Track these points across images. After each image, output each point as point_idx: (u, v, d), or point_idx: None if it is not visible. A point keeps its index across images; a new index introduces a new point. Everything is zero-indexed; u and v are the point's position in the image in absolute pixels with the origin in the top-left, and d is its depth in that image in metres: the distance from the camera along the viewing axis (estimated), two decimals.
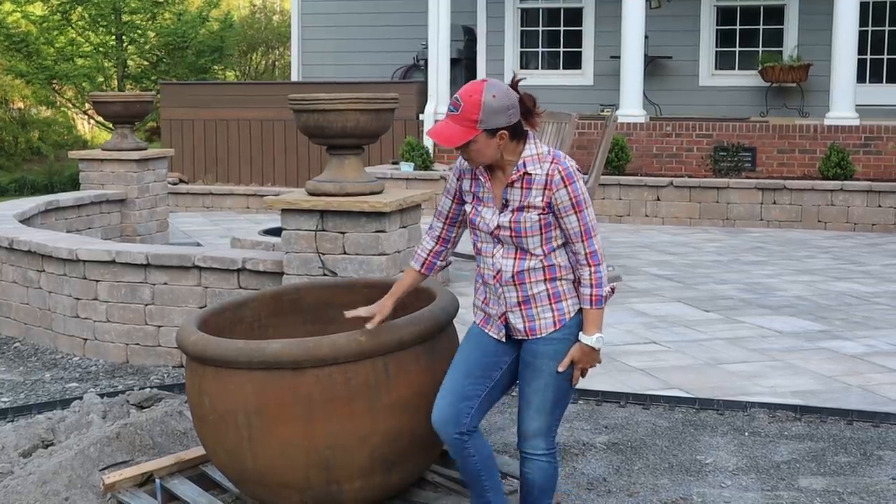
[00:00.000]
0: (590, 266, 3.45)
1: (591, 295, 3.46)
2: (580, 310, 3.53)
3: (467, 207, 3.60)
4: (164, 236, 10.94)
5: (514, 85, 3.45)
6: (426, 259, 3.76)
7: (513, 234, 3.46)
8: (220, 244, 10.76)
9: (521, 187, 3.43)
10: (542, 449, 3.57)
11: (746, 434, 5.20)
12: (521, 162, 3.43)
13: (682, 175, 13.08)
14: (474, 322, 3.73)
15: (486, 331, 3.64)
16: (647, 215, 12.64)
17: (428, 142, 14.19)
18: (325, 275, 5.91)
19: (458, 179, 3.63)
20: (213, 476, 4.27)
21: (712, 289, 8.63)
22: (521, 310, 3.52)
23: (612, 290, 3.55)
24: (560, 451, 4.97)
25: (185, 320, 4.09)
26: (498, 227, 3.48)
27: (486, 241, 3.55)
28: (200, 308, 6.38)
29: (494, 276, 3.54)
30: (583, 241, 3.44)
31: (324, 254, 5.95)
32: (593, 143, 12.30)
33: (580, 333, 3.50)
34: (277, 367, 3.67)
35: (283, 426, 3.70)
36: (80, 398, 5.45)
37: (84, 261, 6.91)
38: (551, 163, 3.41)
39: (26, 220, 8.72)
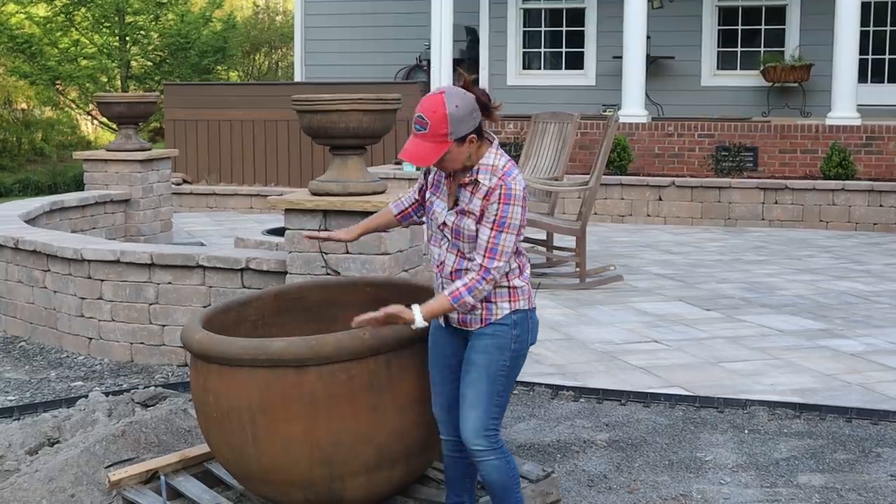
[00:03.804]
0: (476, 273, 3.46)
1: (457, 288, 3.46)
2: (516, 311, 3.56)
3: (428, 193, 3.70)
4: (167, 236, 10.97)
5: (466, 85, 3.51)
6: (406, 208, 3.92)
7: (454, 235, 3.54)
8: (223, 244, 10.80)
9: (471, 192, 3.51)
10: (483, 446, 3.56)
11: (746, 432, 5.24)
12: (476, 167, 3.50)
13: (684, 175, 13.11)
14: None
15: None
16: (649, 215, 12.67)
17: None
18: (328, 274, 5.95)
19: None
20: (218, 473, 4.31)
21: (714, 288, 8.66)
22: None
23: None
24: (561, 448, 5.01)
25: (190, 319, 4.13)
26: (444, 223, 3.58)
27: (435, 231, 3.65)
28: (204, 307, 6.41)
29: (438, 265, 3.64)
30: (484, 255, 3.46)
31: (327, 253, 5.99)
32: (595, 143, 12.34)
33: (417, 305, 3.49)
34: (281, 365, 3.71)
35: (286, 424, 3.73)
36: (86, 397, 5.49)
37: (89, 260, 6.95)
38: (500, 178, 3.46)
39: (31, 221, 8.75)
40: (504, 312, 3.57)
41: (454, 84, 3.56)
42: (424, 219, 3.96)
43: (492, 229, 3.45)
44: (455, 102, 3.41)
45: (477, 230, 3.49)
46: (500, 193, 3.45)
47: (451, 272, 3.58)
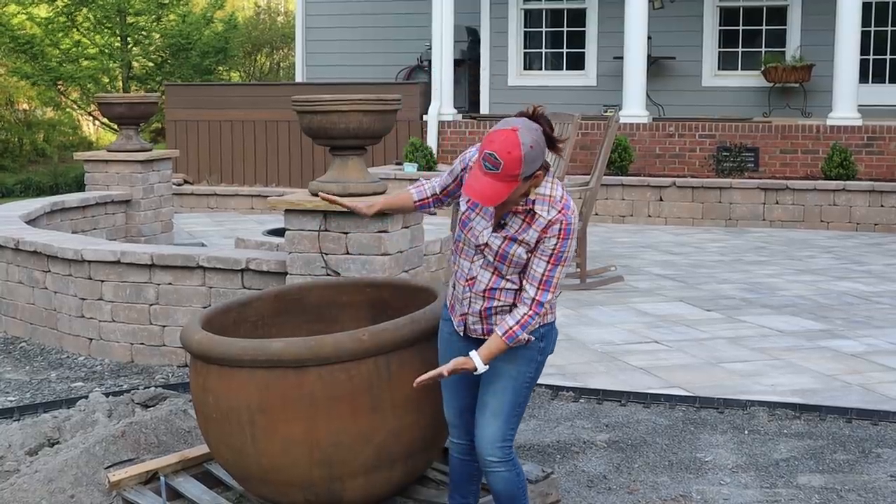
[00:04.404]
0: (529, 309, 3.42)
1: (510, 327, 3.41)
2: (544, 325, 3.53)
3: (462, 205, 3.58)
4: (168, 237, 10.98)
5: (534, 114, 3.39)
6: (427, 198, 3.77)
7: (497, 258, 3.46)
8: (224, 245, 10.80)
9: (524, 220, 3.42)
10: (497, 457, 3.53)
11: (746, 432, 5.24)
12: (531, 197, 3.41)
13: (685, 175, 13.11)
14: (441, 320, 3.75)
15: (452, 317, 3.65)
16: (649, 215, 12.67)
17: (431, 142, 14.23)
18: (328, 275, 5.95)
19: (462, 170, 3.61)
20: (218, 474, 4.31)
21: (714, 288, 8.66)
22: (481, 317, 3.55)
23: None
24: (560, 449, 5.01)
25: (190, 320, 4.13)
26: (486, 244, 3.47)
27: (468, 246, 3.54)
28: (205, 308, 6.42)
29: (467, 280, 3.54)
30: (537, 287, 3.41)
31: (327, 254, 5.99)
32: (596, 144, 12.33)
33: (474, 351, 3.44)
34: (280, 366, 3.71)
35: (286, 424, 3.74)
36: (86, 397, 5.49)
37: (89, 261, 6.95)
38: (559, 212, 3.39)
39: (32, 221, 8.76)
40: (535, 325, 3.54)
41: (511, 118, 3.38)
42: (435, 211, 3.92)
43: (548, 263, 3.40)
44: (529, 143, 3.27)
45: (528, 260, 3.43)
46: (560, 228, 3.38)
47: (484, 290, 3.50)
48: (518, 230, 3.43)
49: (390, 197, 3.94)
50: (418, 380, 3.49)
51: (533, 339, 3.51)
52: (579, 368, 6.30)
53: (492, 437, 3.53)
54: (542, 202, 3.40)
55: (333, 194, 5.91)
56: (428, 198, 3.78)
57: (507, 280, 3.48)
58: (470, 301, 3.55)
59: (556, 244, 3.39)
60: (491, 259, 3.48)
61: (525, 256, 3.43)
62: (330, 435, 3.74)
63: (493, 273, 3.50)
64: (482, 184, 3.30)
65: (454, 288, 3.64)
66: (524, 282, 3.45)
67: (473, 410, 3.63)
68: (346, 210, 4.08)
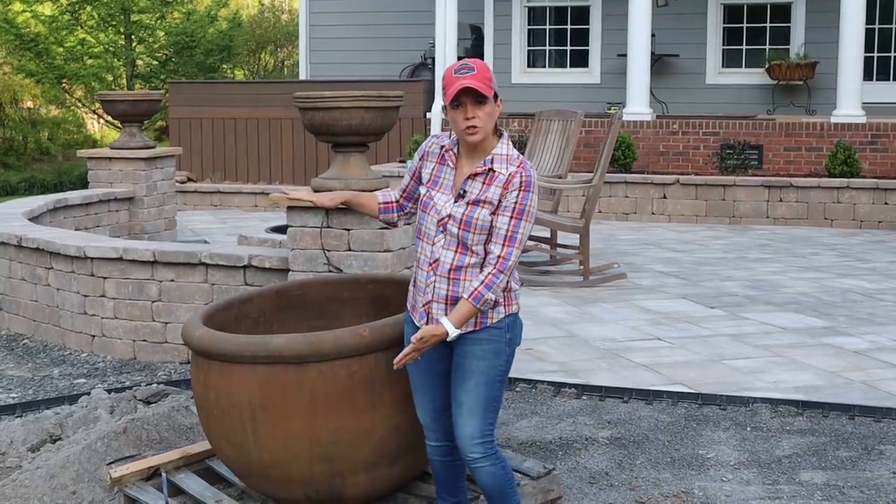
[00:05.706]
0: (493, 267, 3.44)
1: (476, 289, 3.43)
2: (509, 315, 3.56)
3: (422, 190, 3.63)
4: (171, 234, 10.98)
5: None
6: (390, 202, 3.84)
7: (462, 226, 3.48)
8: (227, 242, 10.81)
9: (483, 182, 3.49)
10: (479, 453, 3.52)
11: (748, 429, 5.23)
12: (489, 157, 3.50)
13: (689, 173, 13.10)
14: (405, 325, 3.74)
15: (412, 317, 3.65)
16: (653, 213, 12.65)
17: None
18: (330, 271, 5.95)
19: (420, 159, 3.68)
20: (219, 470, 4.31)
21: (717, 285, 8.65)
22: (446, 304, 3.53)
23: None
24: (562, 445, 5.01)
25: (191, 316, 4.13)
26: (449, 216, 3.51)
27: (430, 227, 3.57)
28: (206, 304, 6.42)
29: (430, 264, 3.55)
30: (503, 244, 3.45)
31: (329, 250, 5.99)
32: (600, 141, 12.30)
33: (444, 317, 3.46)
34: (281, 362, 3.71)
35: (287, 420, 3.74)
36: (88, 394, 5.50)
37: (92, 258, 6.95)
38: (518, 166, 3.48)
39: (35, 219, 8.76)
40: (500, 316, 3.55)
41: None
42: (399, 223, 3.92)
43: (511, 217, 3.45)
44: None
45: (492, 220, 3.46)
46: (520, 181, 3.45)
47: (449, 270, 3.51)
48: (479, 192, 3.48)
49: (360, 193, 3.99)
50: (396, 360, 3.49)
51: (500, 300, 3.51)
52: (582, 365, 6.29)
53: (471, 435, 3.53)
54: (500, 161, 3.50)
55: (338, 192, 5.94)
56: (391, 202, 3.84)
57: (472, 254, 3.49)
58: (434, 286, 3.54)
59: (518, 196, 3.45)
60: (455, 230, 3.49)
61: (489, 219, 3.46)
62: (330, 431, 3.74)
63: (455, 251, 3.51)
64: (470, 78, 3.43)
65: (415, 284, 3.64)
66: (489, 244, 3.47)
67: (449, 410, 3.62)
68: (343, 207, 4.09)
